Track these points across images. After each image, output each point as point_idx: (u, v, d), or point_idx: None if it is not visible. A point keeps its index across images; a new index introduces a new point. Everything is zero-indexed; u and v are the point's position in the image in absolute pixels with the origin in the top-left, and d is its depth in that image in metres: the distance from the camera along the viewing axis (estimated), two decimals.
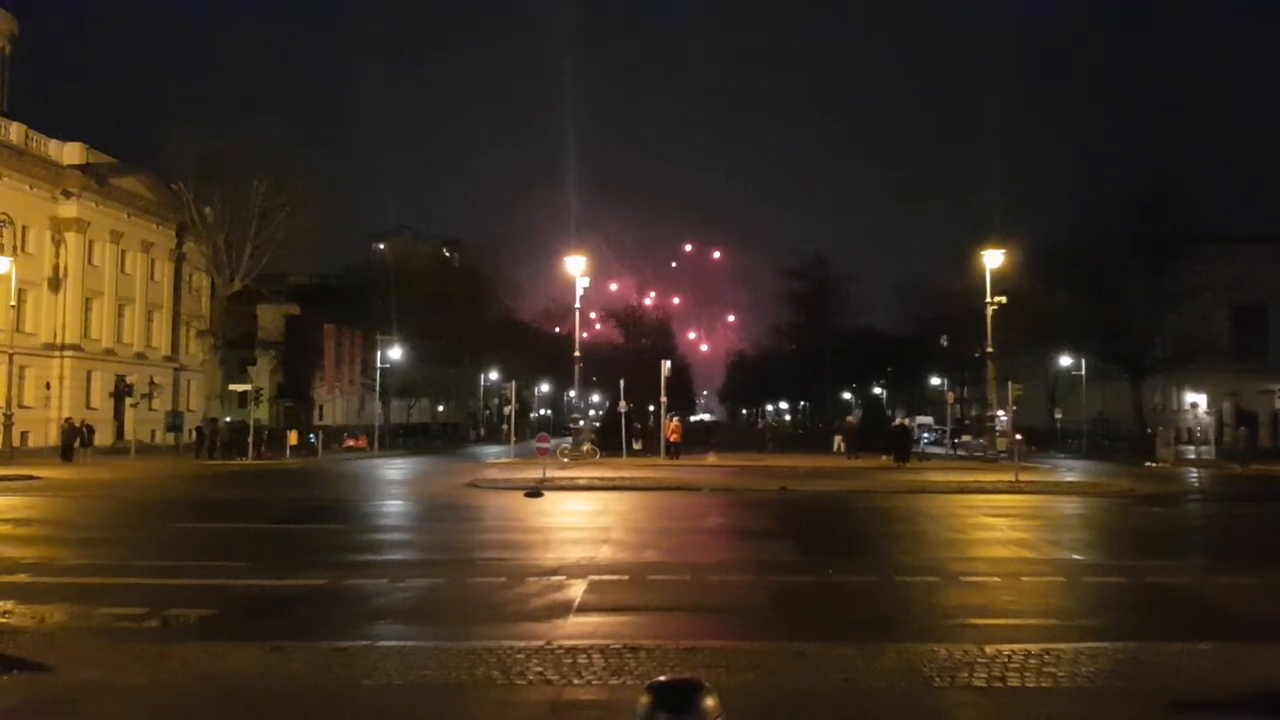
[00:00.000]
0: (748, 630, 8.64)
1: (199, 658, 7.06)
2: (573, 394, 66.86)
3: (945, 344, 61.99)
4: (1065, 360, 53.19)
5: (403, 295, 53.74)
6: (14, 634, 7.97)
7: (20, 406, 41.63)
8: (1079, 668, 6.76)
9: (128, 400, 45.02)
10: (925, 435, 56.56)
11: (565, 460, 34.44)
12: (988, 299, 36.53)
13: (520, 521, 17.75)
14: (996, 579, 11.24)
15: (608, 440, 41.29)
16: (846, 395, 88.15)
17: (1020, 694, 6.24)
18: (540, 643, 7.48)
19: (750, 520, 18.15)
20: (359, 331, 52.10)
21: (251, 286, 48.72)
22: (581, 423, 49.69)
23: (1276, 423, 49.76)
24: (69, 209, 47.26)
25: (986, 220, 47.97)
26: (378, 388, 52.34)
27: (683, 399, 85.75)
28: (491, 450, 50.27)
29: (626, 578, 11.07)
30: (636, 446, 41.64)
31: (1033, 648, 7.20)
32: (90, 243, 48.69)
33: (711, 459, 38.98)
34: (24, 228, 44.27)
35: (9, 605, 9.23)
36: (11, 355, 39.79)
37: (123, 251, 51.38)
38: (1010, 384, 31.37)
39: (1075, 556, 13.74)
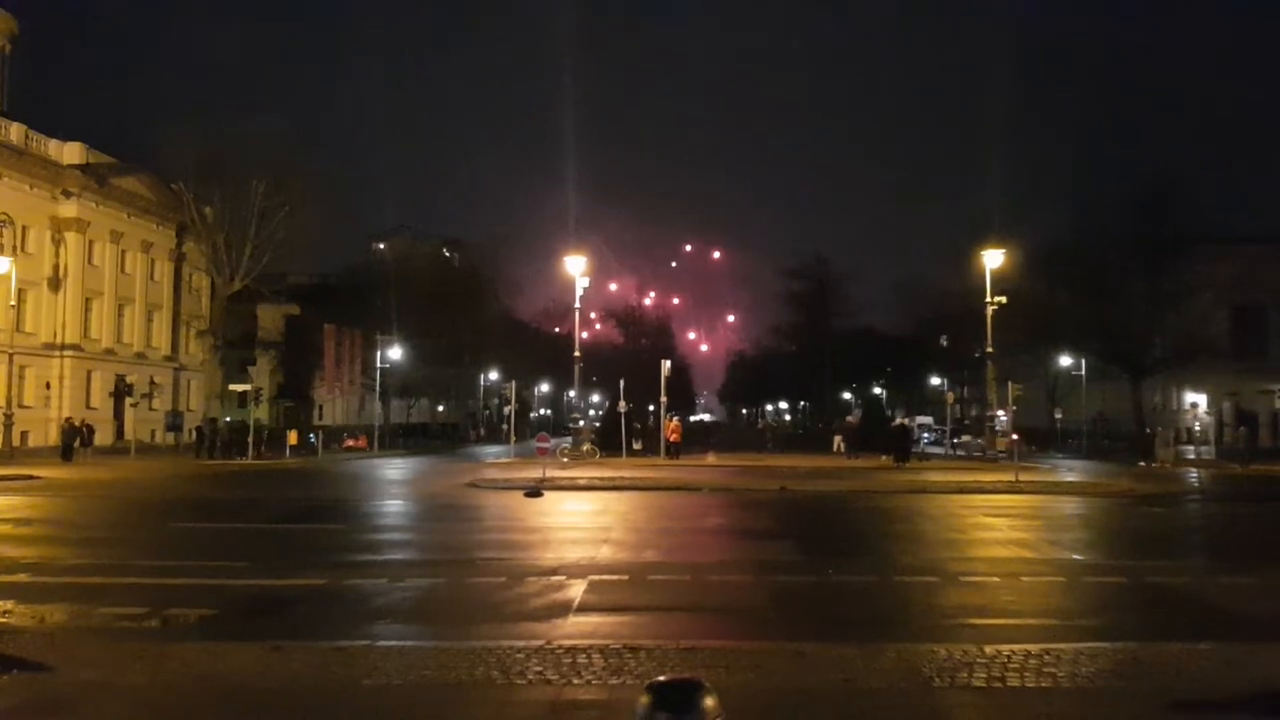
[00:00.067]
0: (748, 630, 8.64)
1: (199, 657, 7.05)
2: (573, 394, 66.89)
3: (945, 344, 62.02)
4: (1065, 360, 53.20)
5: (403, 295, 53.75)
6: (14, 634, 7.97)
7: (20, 406, 41.65)
8: (1079, 668, 6.75)
9: (128, 400, 45.03)
10: (925, 435, 56.57)
11: (565, 460, 34.45)
12: (988, 299, 36.53)
13: (520, 521, 17.75)
14: (996, 579, 11.24)
15: (607, 440, 41.29)
16: (846, 395, 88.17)
17: (1020, 694, 6.24)
18: (540, 642, 7.47)
19: (750, 520, 18.15)
20: (359, 331, 52.10)
21: (251, 286, 48.71)
22: (581, 423, 49.72)
23: (1276, 423, 49.77)
24: (69, 209, 47.28)
25: (986, 220, 48.01)
26: (377, 388, 52.34)
27: (682, 399, 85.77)
28: (491, 450, 50.27)
29: (626, 578, 11.07)
30: (636, 446, 41.64)
31: (1032, 648, 7.19)
32: (90, 242, 48.70)
33: (711, 459, 38.98)
34: (24, 227, 44.27)
35: (9, 605, 9.23)
36: (11, 355, 39.79)
37: (123, 251, 51.39)
38: (1010, 384, 31.38)
39: (1075, 556, 13.74)
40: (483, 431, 72.14)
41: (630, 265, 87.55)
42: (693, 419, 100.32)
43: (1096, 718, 5.98)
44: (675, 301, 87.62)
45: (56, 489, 24.63)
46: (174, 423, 50.19)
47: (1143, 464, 37.34)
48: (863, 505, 21.22)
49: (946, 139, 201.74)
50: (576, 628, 8.46)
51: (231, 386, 45.75)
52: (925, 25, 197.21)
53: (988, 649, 7.14)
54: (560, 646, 7.27)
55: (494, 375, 70.49)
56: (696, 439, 53.83)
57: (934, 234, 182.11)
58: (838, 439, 43.23)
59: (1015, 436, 31.89)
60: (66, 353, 46.64)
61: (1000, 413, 39.26)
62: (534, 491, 22.41)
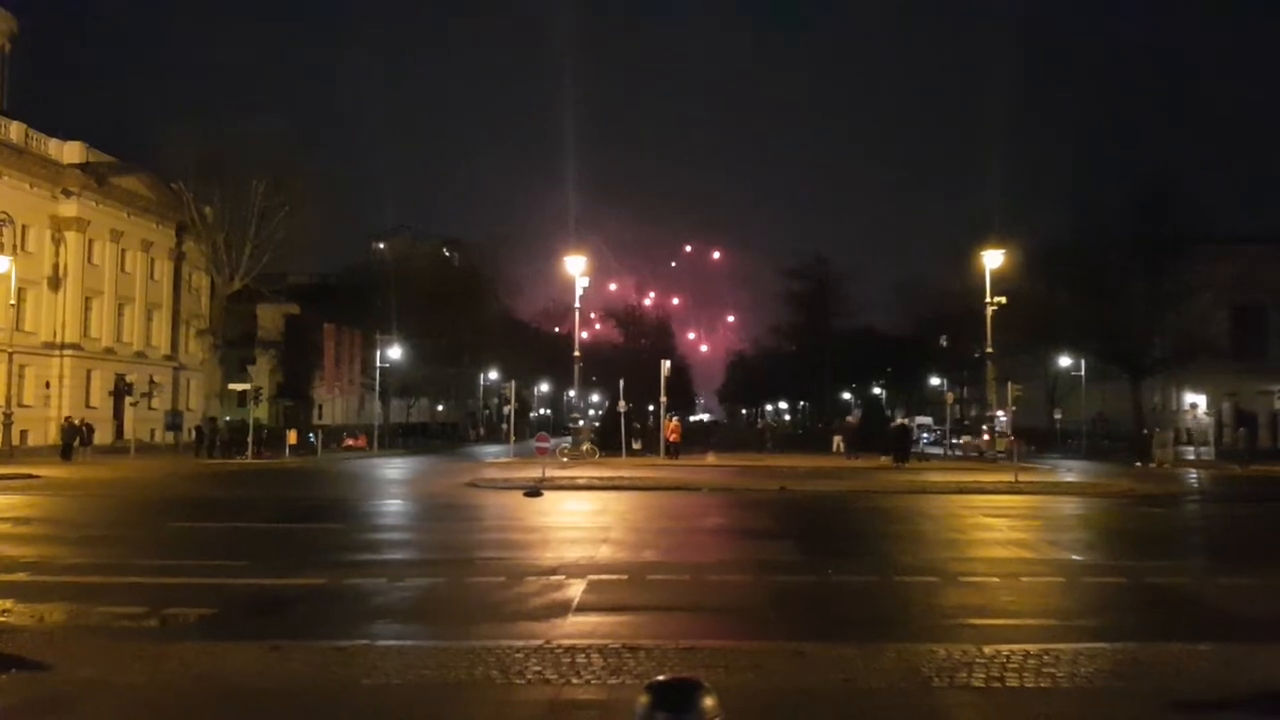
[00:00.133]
0: (747, 630, 8.63)
1: (198, 657, 7.05)
2: (572, 394, 66.91)
3: (945, 344, 62.04)
4: (1065, 360, 53.22)
5: (402, 295, 53.77)
6: (13, 632, 7.96)
7: (20, 405, 41.68)
8: (1078, 668, 6.75)
9: (127, 399, 45.03)
10: (924, 436, 56.57)
11: (564, 460, 34.46)
12: (987, 299, 36.54)
13: (519, 521, 17.75)
14: (996, 579, 11.24)
15: (607, 440, 41.29)
16: (846, 395, 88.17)
17: (1019, 694, 6.24)
18: (539, 642, 7.47)
19: (750, 520, 18.15)
20: (359, 331, 52.12)
21: (251, 286, 48.73)
22: (581, 422, 49.73)
23: (1276, 423, 49.79)
24: (69, 208, 47.28)
25: (986, 220, 48.01)
26: (377, 387, 52.36)
27: (682, 399, 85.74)
28: (491, 450, 50.27)
29: (625, 577, 11.06)
30: (636, 446, 41.64)
31: (1032, 648, 7.19)
32: (90, 242, 48.71)
33: (711, 459, 38.98)
34: (24, 226, 44.26)
35: (8, 604, 9.23)
36: (11, 354, 39.81)
37: (122, 250, 51.40)
38: (1010, 384, 31.38)
39: (1074, 557, 13.74)
40: (482, 431, 72.15)
41: (630, 265, 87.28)
42: (692, 419, 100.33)
43: (1096, 718, 5.98)
44: (675, 301, 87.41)
45: (56, 488, 24.62)
46: (173, 422, 50.20)
47: (1140, 464, 37.35)
48: (862, 505, 21.21)
49: (946, 139, 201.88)
50: (576, 627, 8.46)
51: (231, 386, 45.78)
52: (925, 25, 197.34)
53: (987, 649, 7.14)
54: (559, 646, 7.27)
55: (494, 375, 70.52)
56: (696, 439, 53.83)
57: (934, 234, 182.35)
58: (837, 439, 43.24)
59: (1012, 437, 31.90)
60: (66, 352, 46.65)
61: (1000, 413, 39.27)
62: (533, 491, 22.41)
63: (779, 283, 76.18)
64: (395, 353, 52.67)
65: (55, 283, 46.63)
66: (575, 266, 41.54)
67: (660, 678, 2.40)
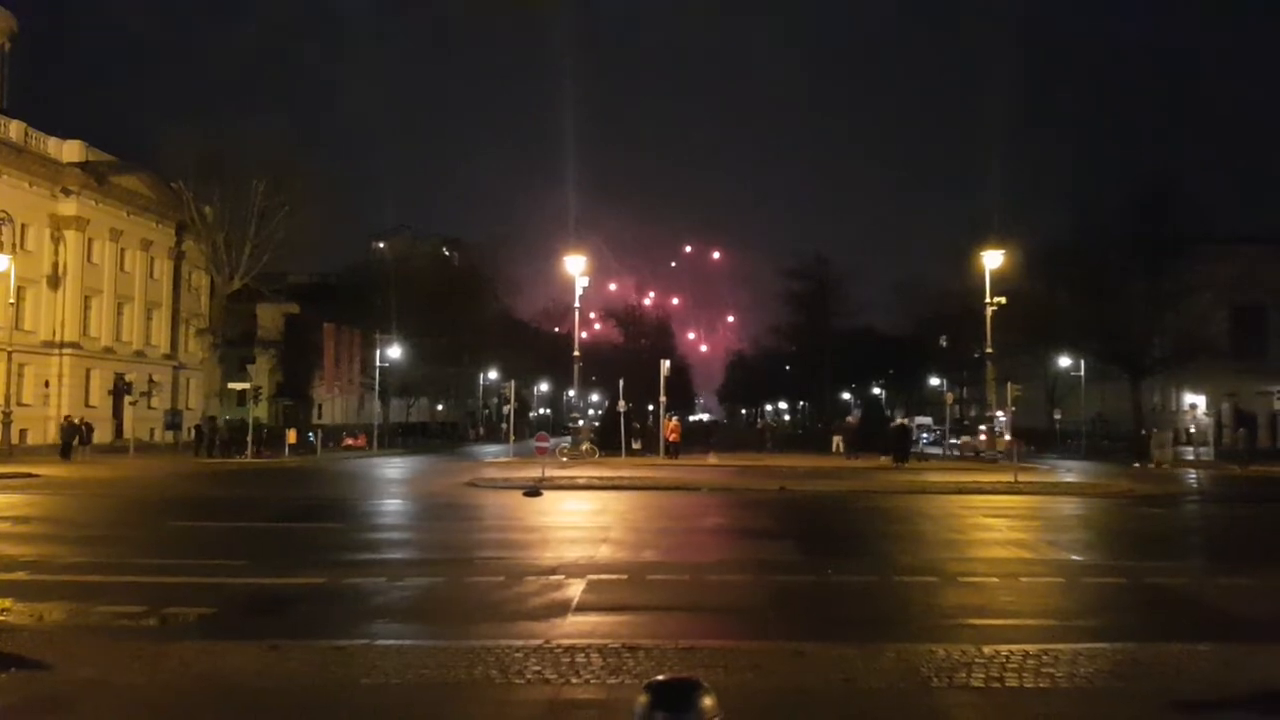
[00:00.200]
0: (746, 630, 8.63)
1: (197, 656, 7.05)
2: (572, 393, 66.93)
3: (945, 344, 62.05)
4: (1064, 361, 53.22)
5: (402, 294, 53.77)
6: (12, 632, 7.96)
7: (19, 404, 41.66)
8: (1077, 668, 6.75)
9: (127, 398, 45.04)
10: (924, 436, 56.57)
11: (564, 460, 34.48)
12: (987, 299, 36.55)
13: (519, 521, 17.75)
14: (995, 579, 11.24)
15: (607, 440, 41.29)
16: (846, 395, 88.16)
17: (1018, 694, 6.24)
18: (538, 642, 7.47)
19: (749, 520, 18.15)
20: (358, 330, 52.10)
21: (251, 285, 48.71)
22: (581, 422, 49.74)
23: (1275, 424, 49.78)
24: (68, 207, 47.26)
25: (986, 220, 48.04)
26: (377, 387, 52.36)
27: (682, 399, 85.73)
28: (490, 449, 50.26)
29: (625, 577, 11.06)
30: (636, 446, 41.64)
31: (1031, 648, 7.19)
32: (90, 240, 48.68)
33: (711, 459, 38.97)
34: (23, 225, 44.22)
35: (7, 603, 9.23)
36: (10, 353, 39.76)
37: (122, 250, 51.37)
38: (1009, 384, 31.36)
39: (1074, 557, 13.74)
40: (482, 431, 72.15)
41: (630, 265, 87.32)
42: (692, 419, 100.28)
43: (1095, 718, 5.98)
44: (675, 301, 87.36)
45: (55, 487, 24.62)
46: (173, 421, 50.18)
47: (1139, 465, 37.35)
48: (862, 505, 21.22)
49: (946, 139, 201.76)
50: (575, 627, 8.46)
51: (230, 385, 45.75)
52: (925, 25, 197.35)
53: (986, 649, 7.14)
54: (559, 646, 7.27)
55: (493, 374, 70.52)
56: (696, 439, 53.82)
57: (934, 234, 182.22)
58: (837, 439, 43.22)
59: (1006, 437, 31.87)
60: (65, 351, 46.63)
61: (1000, 413, 39.28)
62: (533, 491, 22.40)
63: (779, 283, 76.18)
64: (395, 352, 52.68)
65: (55, 282, 46.61)
66: (575, 266, 41.54)
67: (659, 677, 2.39)
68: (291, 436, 43.38)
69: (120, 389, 45.57)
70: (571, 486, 24.49)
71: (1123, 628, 8.67)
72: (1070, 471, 32.87)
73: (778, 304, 78.66)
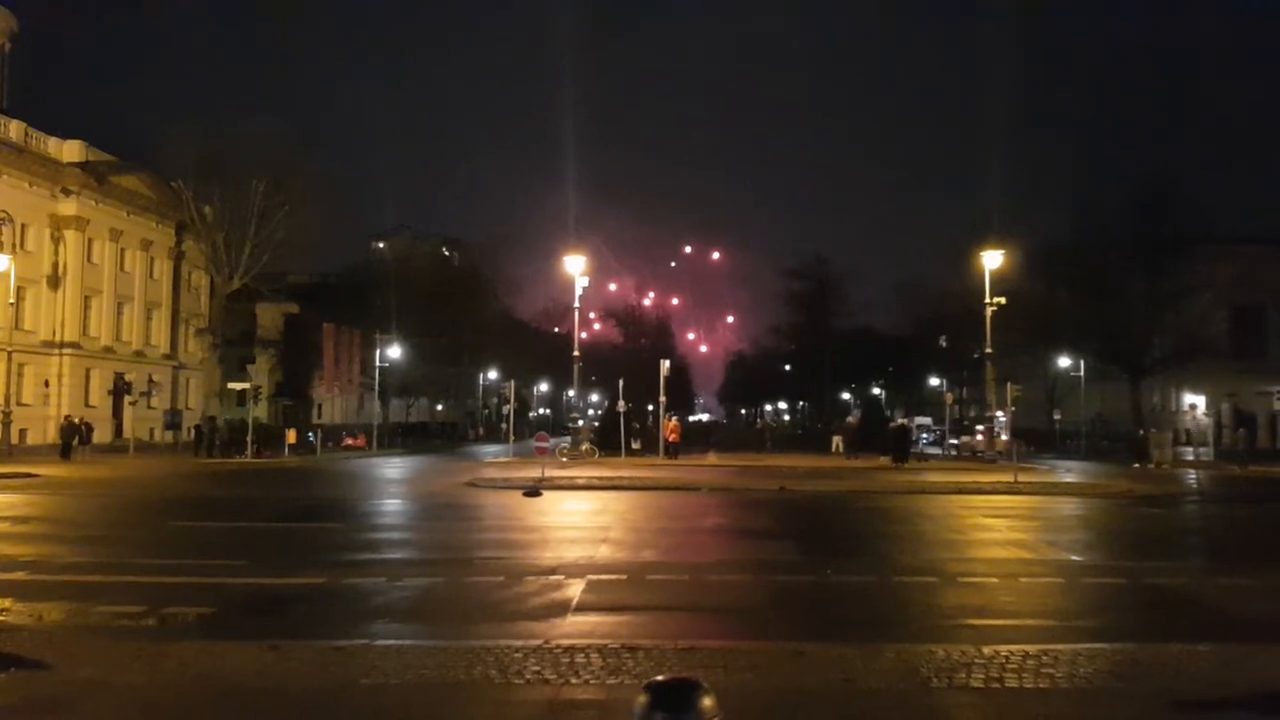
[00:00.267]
0: (746, 630, 8.63)
1: (197, 656, 7.05)
2: (572, 393, 66.90)
3: (944, 344, 62.04)
4: (1064, 361, 53.22)
5: (402, 294, 53.76)
6: (12, 632, 7.96)
7: (19, 404, 41.66)
8: (1077, 669, 6.75)
9: (126, 398, 45.02)
10: (924, 436, 56.58)
11: (564, 460, 34.48)
12: (987, 299, 36.54)
13: (518, 521, 17.75)
14: (995, 580, 11.24)
15: (606, 440, 41.29)
16: (846, 395, 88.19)
17: (1018, 695, 6.24)
18: (538, 642, 7.47)
19: (749, 520, 18.15)
20: (358, 330, 52.07)
21: (251, 285, 48.65)
22: (580, 422, 49.71)
23: (1275, 424, 49.79)
24: (68, 207, 47.27)
25: (986, 220, 48.13)
26: (376, 387, 52.33)
27: (682, 399, 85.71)
28: (490, 449, 50.24)
29: (625, 577, 11.06)
30: (635, 446, 41.64)
31: (1031, 649, 7.19)
32: (89, 240, 48.69)
33: (710, 459, 38.97)
34: (23, 225, 44.24)
35: (7, 603, 9.23)
36: (10, 353, 39.75)
37: (122, 249, 51.39)
38: (1009, 385, 31.36)
39: (1074, 557, 13.74)
40: (481, 431, 72.12)
41: (630, 265, 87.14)
42: (692, 419, 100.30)
43: (1095, 718, 5.98)
44: (675, 302, 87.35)
45: (55, 487, 24.61)
46: (173, 421, 50.18)
47: (1138, 465, 37.36)
48: (862, 505, 21.22)
49: (946, 139, 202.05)
50: (575, 627, 8.46)
51: (230, 385, 45.72)
52: (925, 25, 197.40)
53: (986, 650, 7.14)
54: (558, 646, 7.27)
55: (493, 375, 70.48)
56: (695, 439, 53.82)
57: (934, 234, 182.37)
58: (837, 439, 43.22)
59: (1008, 438, 31.86)
60: (65, 351, 46.63)
61: (999, 414, 39.27)
62: (533, 491, 22.40)
63: (779, 283, 76.25)
64: (395, 352, 52.66)
65: (54, 281, 46.62)
66: (575, 266, 41.52)
67: (659, 677, 2.39)
68: (291, 436, 43.35)
69: (120, 389, 45.55)
70: (571, 486, 24.49)
71: (1122, 628, 8.67)
72: (1070, 472, 32.87)
73: (778, 304, 78.81)
